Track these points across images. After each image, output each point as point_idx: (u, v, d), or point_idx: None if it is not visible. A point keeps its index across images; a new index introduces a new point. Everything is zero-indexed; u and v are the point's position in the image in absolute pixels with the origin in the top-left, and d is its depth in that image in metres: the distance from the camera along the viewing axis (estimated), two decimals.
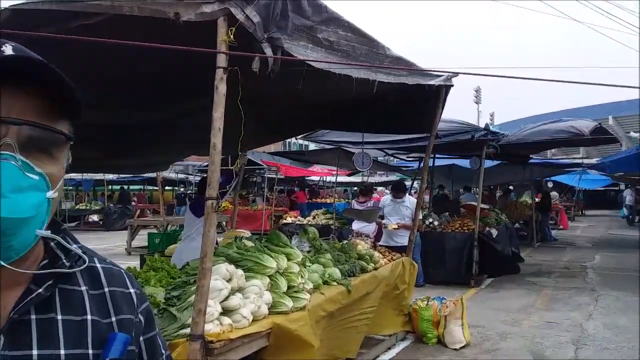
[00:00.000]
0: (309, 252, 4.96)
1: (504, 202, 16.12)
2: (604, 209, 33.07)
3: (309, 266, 4.48)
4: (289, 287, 3.92)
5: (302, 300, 3.89)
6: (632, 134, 12.05)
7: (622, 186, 29.84)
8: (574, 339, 6.31)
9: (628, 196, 26.28)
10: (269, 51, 3.07)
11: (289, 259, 4.13)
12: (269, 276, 3.85)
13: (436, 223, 9.74)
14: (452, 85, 5.59)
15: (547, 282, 9.94)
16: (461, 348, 5.90)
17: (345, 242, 5.74)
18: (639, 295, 8.50)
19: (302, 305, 3.88)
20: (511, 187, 20.07)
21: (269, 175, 16.83)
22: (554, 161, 15.49)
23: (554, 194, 22.26)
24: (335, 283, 4.57)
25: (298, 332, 3.75)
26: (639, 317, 7.06)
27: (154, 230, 13.05)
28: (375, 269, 5.36)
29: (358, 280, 4.91)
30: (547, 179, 20.84)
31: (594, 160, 18.67)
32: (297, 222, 11.23)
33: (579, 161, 19.05)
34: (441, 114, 5.93)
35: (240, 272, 3.59)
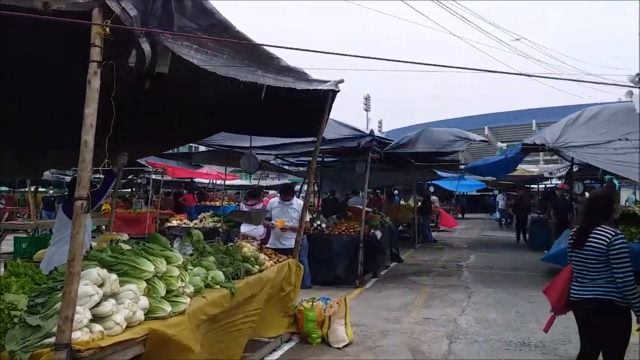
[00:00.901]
0: (191, 255, 4.84)
1: (389, 205, 16.83)
2: (480, 212, 35.64)
3: (191, 269, 4.36)
4: (168, 292, 3.80)
5: (182, 304, 3.78)
6: (499, 144, 13.15)
7: (496, 191, 32.36)
8: (448, 334, 6.71)
9: (500, 201, 28.58)
10: (146, 47, 2.96)
11: (168, 263, 3.99)
12: (146, 280, 3.70)
13: (324, 225, 9.94)
14: (339, 91, 5.76)
15: (426, 281, 10.51)
16: (344, 347, 6.05)
17: (230, 244, 5.67)
18: (506, 292, 9.26)
19: (182, 310, 3.77)
20: (396, 192, 21.02)
21: (154, 177, 16.22)
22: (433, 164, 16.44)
23: (434, 198, 23.59)
24: (218, 286, 4.49)
25: (177, 337, 3.63)
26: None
27: (23, 235, 12.05)
28: (261, 271, 5.35)
29: (243, 282, 4.87)
30: (429, 182, 22.03)
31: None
32: (183, 226, 10.93)
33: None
34: (327, 119, 6.09)
35: (114, 276, 3.41)
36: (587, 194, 12.23)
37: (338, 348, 6.02)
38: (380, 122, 49.88)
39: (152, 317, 3.56)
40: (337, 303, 6.31)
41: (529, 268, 12.32)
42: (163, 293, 3.72)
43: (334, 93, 5.74)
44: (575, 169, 13.51)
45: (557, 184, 23.80)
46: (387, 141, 10.57)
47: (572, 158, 11.03)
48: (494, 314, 7.79)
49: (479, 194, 38.46)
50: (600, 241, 3.94)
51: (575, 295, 4.11)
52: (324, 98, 5.71)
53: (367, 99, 43.88)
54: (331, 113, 6.07)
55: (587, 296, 4.00)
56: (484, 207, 36.34)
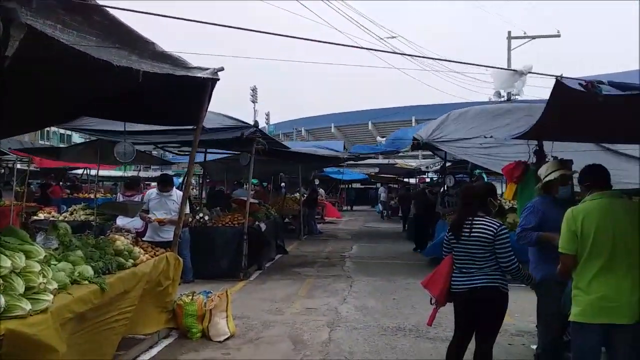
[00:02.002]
0: (56, 249, 4.48)
1: (275, 197, 16.86)
2: (365, 204, 36.87)
3: (55, 264, 4.04)
4: (27, 289, 3.48)
5: (43, 302, 3.48)
6: (379, 138, 13.77)
7: (379, 185, 33.66)
8: (329, 322, 6.85)
9: (382, 193, 29.83)
10: None
11: (28, 257, 3.65)
12: (2, 277, 3.36)
13: (207, 218, 9.71)
14: (218, 79, 5.63)
15: (310, 272, 10.67)
16: (225, 340, 5.96)
17: (101, 237, 5.33)
18: (385, 280, 9.66)
19: (44, 308, 3.47)
20: (283, 184, 21.13)
21: (20, 167, 14.87)
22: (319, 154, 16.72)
23: (320, 190, 24.05)
24: (86, 282, 4.20)
25: (38, 337, 3.36)
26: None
27: None
28: (135, 265, 5.09)
29: (114, 277, 4.59)
30: (317, 174, 22.43)
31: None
32: (51, 219, 10.12)
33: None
34: (207, 107, 5.94)
35: None
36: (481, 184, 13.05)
37: (219, 342, 5.91)
38: (267, 114, 49.87)
39: (9, 316, 3.26)
40: (219, 296, 6.19)
41: (406, 257, 12.97)
42: (22, 290, 3.41)
43: (213, 81, 5.60)
44: (448, 164, 14.41)
45: (432, 177, 25.26)
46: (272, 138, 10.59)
47: (445, 153, 11.74)
48: (373, 302, 8.08)
49: (364, 187, 39.82)
50: (487, 231, 4.12)
51: (461, 286, 4.22)
52: (203, 86, 5.56)
53: (254, 90, 43.65)
54: (223, 107, 5.93)
55: (474, 285, 4.15)
56: (369, 200, 37.68)
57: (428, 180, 26.67)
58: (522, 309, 6.75)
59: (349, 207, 35.54)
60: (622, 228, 3.52)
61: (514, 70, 3.07)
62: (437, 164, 19.36)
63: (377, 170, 25.69)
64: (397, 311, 7.50)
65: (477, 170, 16.83)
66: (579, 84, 2.76)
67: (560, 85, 3.19)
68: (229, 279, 9.19)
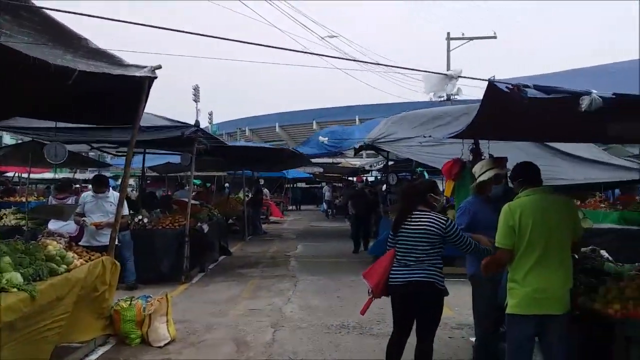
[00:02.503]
0: None
1: (219, 198, 16.62)
2: (311, 204, 36.92)
3: None
4: None
5: None
6: (320, 138, 13.86)
7: (324, 184, 33.80)
8: (273, 323, 6.82)
9: (327, 192, 29.96)
10: None
11: None
12: None
13: (146, 220, 9.46)
14: (156, 77, 5.49)
15: (254, 273, 10.58)
16: (166, 345, 5.82)
17: (31, 243, 5.09)
18: (329, 279, 9.71)
19: None
20: (227, 184, 20.88)
21: None
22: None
23: (265, 190, 23.92)
24: (15, 289, 3.99)
25: None
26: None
27: None
28: (69, 270, 4.88)
29: (46, 284, 4.39)
30: (259, 175, 22.27)
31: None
32: None
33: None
34: (144, 107, 5.78)
35: None
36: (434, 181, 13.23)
37: (159, 347, 5.77)
38: (210, 114, 49.11)
39: None
40: (158, 300, 6.04)
41: (351, 255, 13.08)
42: None
43: (150, 80, 5.46)
44: (391, 162, 14.64)
45: (377, 175, 25.59)
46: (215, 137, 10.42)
47: (388, 153, 11.93)
48: (317, 300, 8.11)
49: (309, 186, 39.86)
50: (435, 226, 4.24)
51: (400, 278, 4.29)
52: (140, 84, 5.41)
53: (195, 89, 42.91)
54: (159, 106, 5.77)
55: (412, 278, 4.24)
56: (314, 199, 37.75)
57: (372, 179, 27.01)
58: (462, 302, 6.92)
59: (295, 207, 35.53)
60: (554, 223, 3.67)
61: (444, 74, 3.13)
62: (380, 162, 19.64)
63: (321, 169, 25.78)
64: (341, 309, 7.55)
65: (419, 169, 17.21)
66: (506, 87, 2.86)
67: (492, 87, 3.29)
68: (171, 282, 8.98)
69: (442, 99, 23.79)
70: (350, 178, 27.71)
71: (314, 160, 17.00)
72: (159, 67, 5.36)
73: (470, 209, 4.92)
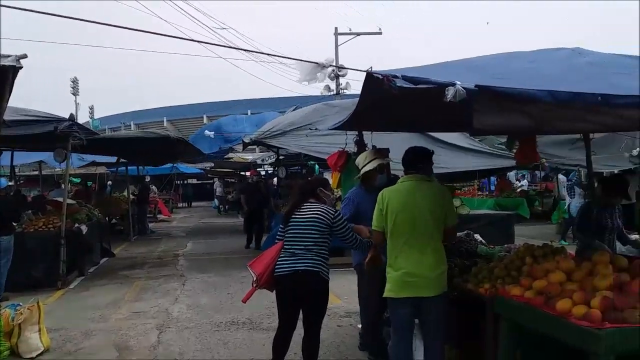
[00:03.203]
0: None
1: (100, 197, 15.66)
2: (203, 200, 35.99)
3: None
4: None
5: None
6: (207, 132, 13.52)
7: (216, 179, 33.07)
8: (159, 324, 6.53)
9: (218, 188, 29.44)
10: None
11: None
12: None
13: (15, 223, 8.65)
14: (21, 67, 4.98)
15: (139, 274, 10.11)
16: (38, 355, 5.39)
17: None
18: (220, 276, 9.51)
19: None
20: (109, 182, 19.78)
21: None
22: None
23: (152, 187, 22.99)
24: None
25: None
26: None
27: None
28: None
29: None
30: (146, 171, 21.32)
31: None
32: None
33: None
34: (9, 98, 5.23)
35: None
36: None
37: (31, 358, 5.32)
38: (91, 108, 46.23)
39: None
40: (29, 308, 5.56)
41: (243, 251, 12.91)
42: None
43: (15, 69, 4.95)
44: (282, 157, 14.66)
45: (268, 170, 25.52)
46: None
47: (278, 148, 11.93)
48: (206, 299, 7.90)
49: (200, 182, 38.85)
50: (323, 216, 4.26)
51: (286, 268, 4.26)
52: (3, 74, 4.88)
53: (74, 81, 40.21)
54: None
55: (297, 267, 4.22)
56: (206, 195, 36.84)
57: (264, 173, 26.93)
58: (350, 291, 7.07)
59: (186, 204, 34.52)
60: (422, 209, 3.78)
61: (316, 63, 3.16)
62: (272, 156, 19.62)
63: (212, 165, 25.24)
64: (231, 305, 7.42)
65: (311, 162, 17.41)
66: (377, 77, 2.91)
67: (369, 78, 3.36)
68: (46, 288, 8.34)
69: (332, 92, 24.35)
70: (242, 173, 27.42)
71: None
72: (25, 56, 4.86)
73: (355, 199, 5.03)
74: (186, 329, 6.35)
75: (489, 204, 17.55)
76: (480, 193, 20.95)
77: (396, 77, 2.79)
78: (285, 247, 4.37)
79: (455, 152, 9.81)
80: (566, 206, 13.64)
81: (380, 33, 24.19)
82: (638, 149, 10.68)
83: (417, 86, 2.80)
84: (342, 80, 23.47)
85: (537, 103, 2.66)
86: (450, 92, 2.56)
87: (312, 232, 4.27)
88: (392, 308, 3.93)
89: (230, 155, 22.63)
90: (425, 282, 3.73)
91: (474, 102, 2.64)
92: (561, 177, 16.12)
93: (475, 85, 2.60)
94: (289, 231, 4.37)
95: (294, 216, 4.36)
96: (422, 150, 4.10)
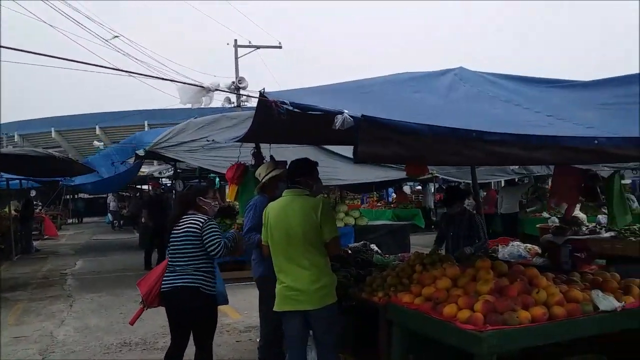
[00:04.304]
0: None
1: None
2: (96, 215, 34.05)
3: None
4: None
5: None
6: (96, 142, 12.84)
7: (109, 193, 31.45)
8: (42, 349, 6.08)
9: (112, 202, 28.00)
10: None
11: None
12: None
13: None
14: None
15: (21, 296, 9.36)
16: None
17: None
18: (112, 295, 9.02)
19: None
20: None
21: None
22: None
23: (38, 202, 21.45)
24: None
25: None
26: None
27: None
28: None
29: None
30: (30, 185, 19.84)
31: None
32: None
33: None
34: None
35: None
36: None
37: None
38: None
39: None
40: None
41: (138, 268, 12.31)
42: None
43: None
44: (180, 170, 14.24)
45: (166, 183, 24.71)
46: None
47: (176, 161, 11.55)
48: (96, 320, 7.46)
49: (92, 196, 36.71)
50: (195, 226, 4.16)
51: (167, 285, 4.17)
52: None
53: None
54: None
55: (178, 283, 4.12)
56: (101, 210, 34.87)
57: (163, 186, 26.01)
58: (251, 305, 6.98)
59: (76, 220, 32.51)
60: (293, 224, 3.77)
61: (200, 86, 3.11)
62: (170, 169, 18.99)
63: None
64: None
65: (211, 175, 17.05)
66: (266, 103, 2.94)
67: (262, 99, 3.39)
68: None
69: (232, 105, 24.08)
70: (139, 186, 26.33)
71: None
72: None
73: (259, 207, 4.96)
74: (72, 352, 5.96)
75: (388, 215, 18.18)
76: (379, 204, 21.68)
77: (284, 103, 2.82)
78: (168, 262, 4.28)
79: (353, 164, 10.06)
80: None
81: (280, 47, 24.36)
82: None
83: (309, 112, 2.85)
84: (243, 92, 23.30)
85: (418, 136, 2.79)
86: (338, 121, 2.62)
87: (187, 246, 4.17)
88: (283, 322, 3.93)
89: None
90: (306, 296, 3.73)
91: (360, 131, 2.71)
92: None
93: (362, 115, 2.68)
94: (169, 246, 4.27)
95: (173, 230, 4.26)
96: (303, 163, 4.13)
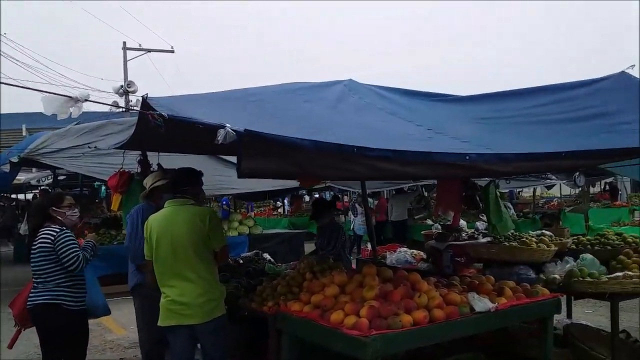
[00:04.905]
0: None
1: None
2: None
3: None
4: None
5: None
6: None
7: None
8: None
9: None
10: None
11: None
12: None
13: None
14: None
15: None
16: None
17: None
18: None
19: None
20: None
21: None
22: None
23: None
24: None
25: None
26: None
27: None
28: None
29: None
30: None
31: None
32: None
33: None
34: None
35: None
36: None
37: None
38: None
39: None
40: None
41: (12, 282, 11.31)
42: None
43: None
44: (63, 177, 13.34)
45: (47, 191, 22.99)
46: None
47: (55, 168, 10.80)
48: None
49: None
50: (46, 241, 3.92)
51: (30, 303, 3.96)
52: None
53: None
54: None
55: (39, 301, 3.92)
56: None
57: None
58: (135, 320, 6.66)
59: None
60: (179, 235, 3.68)
61: (68, 96, 2.94)
62: (50, 176, 17.74)
63: None
64: None
65: (97, 183, 16.15)
66: (144, 113, 2.83)
67: (145, 103, 3.27)
68: None
69: (121, 109, 22.98)
70: (14, 195, 24.29)
71: None
72: None
73: (144, 214, 4.75)
74: None
75: (283, 223, 18.25)
76: (275, 213, 21.72)
77: (162, 115, 2.72)
78: (32, 279, 4.04)
79: None
80: (351, 225, 14.80)
81: (172, 51, 23.68)
82: None
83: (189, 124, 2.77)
84: (132, 98, 22.38)
85: (303, 151, 2.81)
86: (220, 135, 2.56)
87: (42, 262, 3.94)
88: (169, 336, 3.80)
89: None
90: (192, 310, 3.65)
91: (243, 146, 2.67)
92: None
93: (245, 130, 2.64)
94: (31, 261, 4.02)
95: (32, 245, 4.01)
96: (190, 172, 4.04)
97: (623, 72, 4.65)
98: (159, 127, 2.69)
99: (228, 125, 2.58)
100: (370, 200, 14.43)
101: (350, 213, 15.76)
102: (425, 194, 16.52)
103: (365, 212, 7.09)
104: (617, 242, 5.34)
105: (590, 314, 7.03)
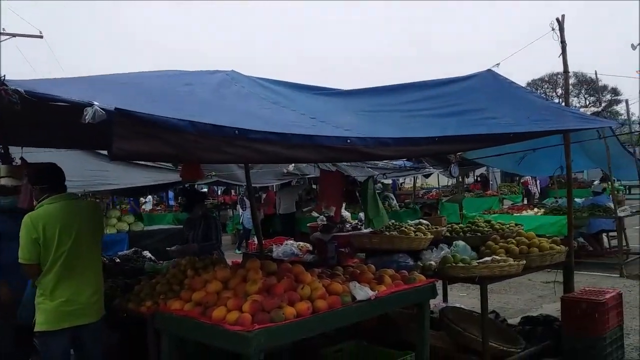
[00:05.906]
0: None
1: None
2: None
3: None
4: None
5: None
6: None
7: None
8: None
9: None
10: None
11: None
12: None
13: None
14: None
15: None
16: None
17: None
18: None
19: None
20: None
21: None
22: None
23: None
24: None
25: None
26: None
27: None
28: None
29: None
30: None
31: None
32: None
33: None
34: None
35: None
36: None
37: None
38: None
39: None
40: None
41: None
42: None
43: None
44: None
45: None
46: None
47: None
48: None
49: None
50: None
51: None
52: None
53: None
54: None
55: None
56: None
57: None
58: None
59: None
60: (82, 230, 3.53)
61: None
62: None
63: None
64: None
65: None
66: None
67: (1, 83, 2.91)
68: None
69: None
70: None
71: None
72: None
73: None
74: None
75: (168, 218, 17.57)
76: (158, 208, 20.86)
77: (18, 91, 2.43)
78: None
79: (126, 167, 9.45)
80: (241, 219, 14.62)
81: (40, 36, 21.80)
82: (292, 165, 12.08)
83: (50, 102, 2.51)
84: None
85: (180, 133, 2.67)
86: (88, 113, 2.35)
87: None
88: (47, 342, 3.48)
89: None
90: (85, 309, 3.50)
91: (115, 125, 2.48)
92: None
93: (115, 108, 2.44)
94: None
95: None
96: (55, 167, 3.75)
97: (489, 70, 5.01)
98: (13, 103, 2.39)
99: (96, 102, 2.37)
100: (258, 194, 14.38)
101: (238, 207, 15.58)
102: (314, 186, 16.76)
103: (251, 206, 7.02)
104: (486, 229, 5.70)
105: (464, 297, 7.51)
